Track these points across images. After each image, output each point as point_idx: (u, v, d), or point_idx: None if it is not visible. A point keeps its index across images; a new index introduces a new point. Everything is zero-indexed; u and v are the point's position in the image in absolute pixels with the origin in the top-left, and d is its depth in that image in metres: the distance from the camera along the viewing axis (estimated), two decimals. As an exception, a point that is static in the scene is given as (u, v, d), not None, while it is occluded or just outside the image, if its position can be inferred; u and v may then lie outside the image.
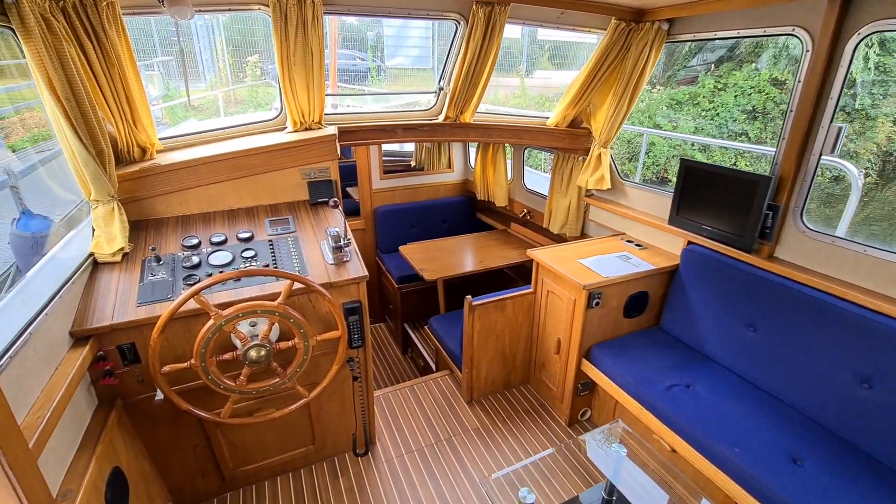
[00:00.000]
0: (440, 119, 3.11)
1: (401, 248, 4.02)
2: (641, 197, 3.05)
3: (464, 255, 3.94)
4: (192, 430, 2.09)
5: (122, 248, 1.98)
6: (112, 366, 1.77)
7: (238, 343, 1.82)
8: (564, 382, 2.80)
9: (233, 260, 2.06)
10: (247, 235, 2.22)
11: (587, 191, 3.31)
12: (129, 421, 1.90)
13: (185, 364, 1.75)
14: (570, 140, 3.27)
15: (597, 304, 2.54)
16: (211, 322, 1.70)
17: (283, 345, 1.91)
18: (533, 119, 3.37)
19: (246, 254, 2.12)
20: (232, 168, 2.37)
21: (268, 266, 2.06)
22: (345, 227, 2.17)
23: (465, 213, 4.91)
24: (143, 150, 2.27)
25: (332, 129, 2.66)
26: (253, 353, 1.82)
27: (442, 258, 3.84)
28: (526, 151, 4.15)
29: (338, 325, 1.99)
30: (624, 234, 3.13)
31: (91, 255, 1.96)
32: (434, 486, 2.44)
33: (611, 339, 2.71)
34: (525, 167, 4.17)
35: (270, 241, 2.22)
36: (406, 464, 2.57)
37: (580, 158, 3.25)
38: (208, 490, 2.32)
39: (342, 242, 2.12)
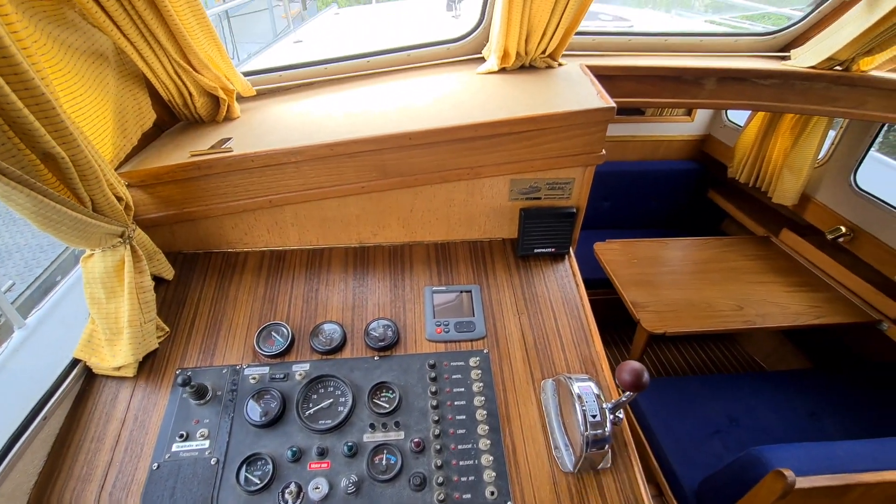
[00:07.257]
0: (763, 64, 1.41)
1: (597, 245, 2.56)
2: None
3: (696, 280, 2.36)
4: None
5: (130, 363, 0.91)
6: None
7: None
8: None
9: (356, 454, 0.89)
10: (384, 342, 1.00)
11: None
12: None
13: None
14: None
15: None
16: None
17: None
18: None
19: (381, 415, 0.91)
20: (368, 169, 1.09)
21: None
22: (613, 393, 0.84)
23: (690, 189, 3.19)
24: (214, 101, 1.10)
25: (583, 75, 1.20)
26: None
27: (660, 282, 2.33)
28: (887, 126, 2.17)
29: None
30: None
31: (77, 362, 0.93)
32: None
33: None
34: (872, 150, 2.23)
35: (432, 372, 0.97)
36: None
37: None
38: None
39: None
